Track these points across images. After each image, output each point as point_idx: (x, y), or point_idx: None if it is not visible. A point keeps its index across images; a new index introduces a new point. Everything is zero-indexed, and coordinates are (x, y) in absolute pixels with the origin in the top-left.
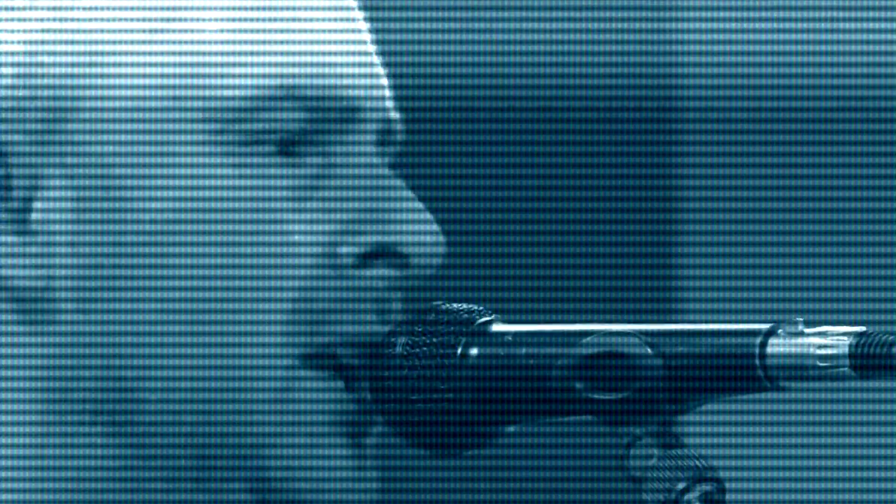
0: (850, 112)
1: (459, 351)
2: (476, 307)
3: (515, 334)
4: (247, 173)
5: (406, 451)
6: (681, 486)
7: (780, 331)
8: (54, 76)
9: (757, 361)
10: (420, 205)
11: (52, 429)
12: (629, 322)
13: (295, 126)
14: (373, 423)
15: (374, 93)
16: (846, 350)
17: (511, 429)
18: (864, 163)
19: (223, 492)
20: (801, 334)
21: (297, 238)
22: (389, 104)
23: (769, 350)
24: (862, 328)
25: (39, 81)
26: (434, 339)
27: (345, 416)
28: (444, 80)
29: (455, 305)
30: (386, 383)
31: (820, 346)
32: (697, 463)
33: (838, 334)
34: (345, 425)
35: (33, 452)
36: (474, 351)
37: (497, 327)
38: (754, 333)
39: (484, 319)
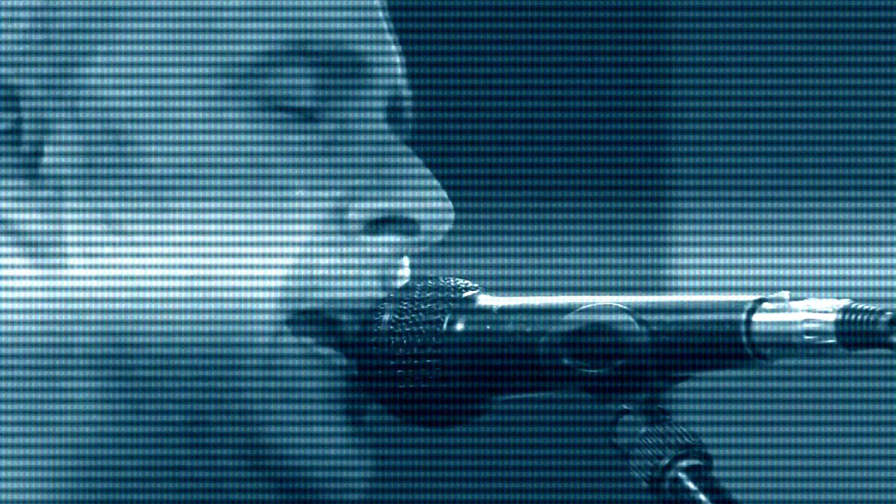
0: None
1: (445, 324)
2: (462, 281)
3: (501, 308)
4: (259, 130)
5: (400, 427)
6: (667, 460)
7: (765, 305)
8: (69, 23)
9: (743, 336)
10: (428, 172)
11: (53, 373)
12: (617, 295)
13: (308, 91)
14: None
15: (383, 48)
16: (832, 324)
17: (499, 401)
18: (850, 140)
19: (217, 454)
20: (787, 308)
21: (303, 203)
22: (401, 71)
23: (755, 324)
24: (847, 301)
25: (54, 26)
26: (420, 313)
27: (340, 389)
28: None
29: (441, 279)
30: (372, 357)
31: (806, 320)
32: (685, 437)
33: (824, 308)
34: (340, 394)
35: (32, 396)
36: (460, 324)
37: (483, 300)
38: (740, 307)
39: (470, 293)
